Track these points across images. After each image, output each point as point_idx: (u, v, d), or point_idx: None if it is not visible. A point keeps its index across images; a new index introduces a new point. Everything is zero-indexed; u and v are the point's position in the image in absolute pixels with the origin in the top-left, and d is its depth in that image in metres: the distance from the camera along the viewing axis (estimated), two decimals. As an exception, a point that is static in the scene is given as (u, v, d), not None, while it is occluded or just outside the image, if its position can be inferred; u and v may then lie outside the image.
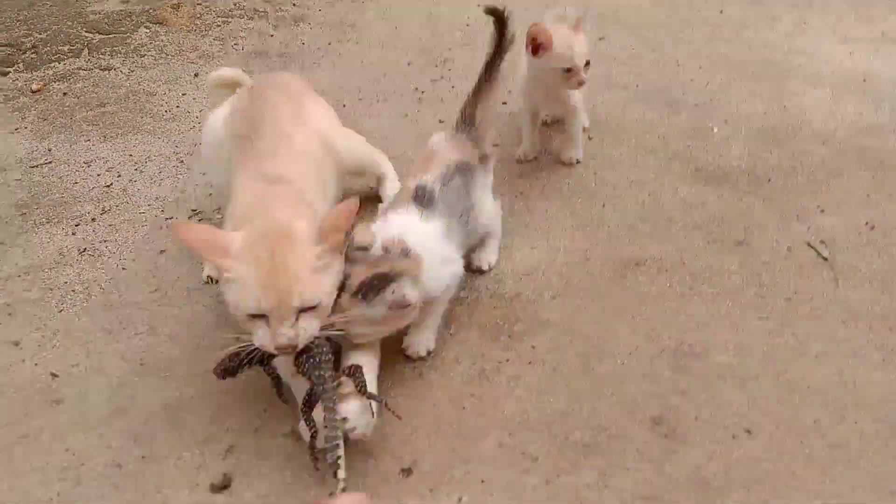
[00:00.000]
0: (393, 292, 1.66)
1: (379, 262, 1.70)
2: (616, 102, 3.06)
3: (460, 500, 1.60)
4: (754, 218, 2.38)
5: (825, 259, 2.19)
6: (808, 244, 2.25)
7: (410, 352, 1.88)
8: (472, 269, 2.14)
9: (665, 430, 1.71)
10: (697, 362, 1.88)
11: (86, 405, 1.91)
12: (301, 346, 1.54)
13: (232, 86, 2.41)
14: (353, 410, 1.57)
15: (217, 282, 2.19)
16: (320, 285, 1.57)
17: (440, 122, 3.01)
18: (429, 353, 1.90)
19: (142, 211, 2.63)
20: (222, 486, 1.69)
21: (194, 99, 3.30)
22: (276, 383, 1.69)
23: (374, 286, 1.65)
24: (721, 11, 3.89)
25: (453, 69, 3.49)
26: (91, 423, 1.86)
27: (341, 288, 1.67)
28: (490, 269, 2.20)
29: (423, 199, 1.89)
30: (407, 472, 1.67)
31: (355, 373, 1.60)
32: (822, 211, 2.38)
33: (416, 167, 2.04)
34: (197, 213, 2.58)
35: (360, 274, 1.68)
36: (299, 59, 3.63)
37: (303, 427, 1.64)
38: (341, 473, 1.50)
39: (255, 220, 1.65)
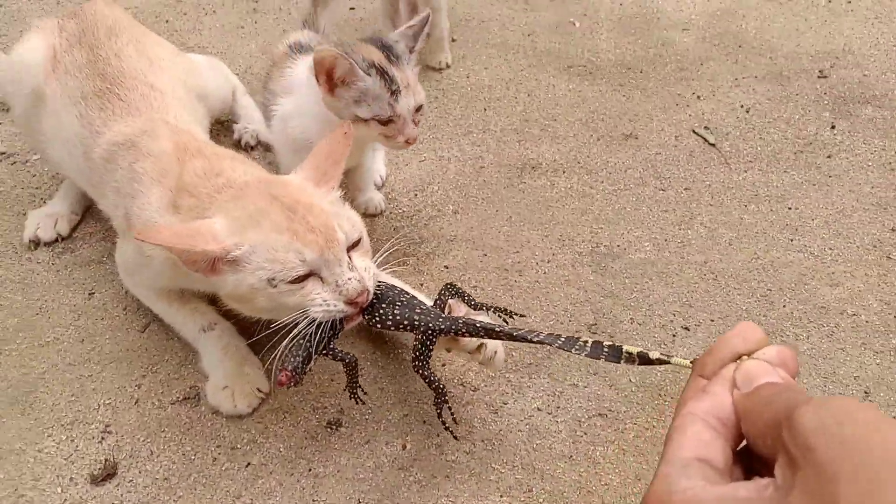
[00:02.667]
0: None
1: None
2: (470, 1, 2.86)
3: (405, 447, 1.41)
4: (636, 110, 2.31)
5: (712, 145, 2.16)
6: (694, 131, 2.21)
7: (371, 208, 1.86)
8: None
9: (604, 338, 1.60)
10: (617, 262, 1.78)
11: None
12: (372, 289, 1.21)
13: None
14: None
15: (42, 244, 1.83)
16: (352, 218, 1.26)
17: (283, 31, 2.69)
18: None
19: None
20: (105, 476, 1.38)
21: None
22: (353, 374, 1.31)
23: None
24: None
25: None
26: None
27: None
28: (383, 183, 1.95)
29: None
30: (335, 424, 1.44)
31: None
32: (699, 97, 2.36)
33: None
34: (8, 157, 2.10)
35: None
36: None
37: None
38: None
39: (211, 181, 1.32)
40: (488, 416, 1.45)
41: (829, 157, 2.09)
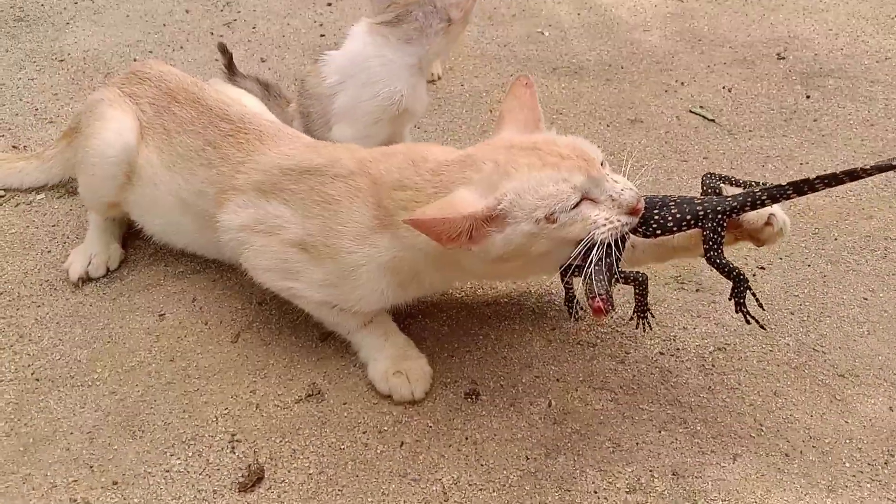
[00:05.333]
0: None
1: None
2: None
3: (550, 404, 1.42)
4: (631, 99, 2.46)
5: (712, 120, 2.33)
6: (691, 111, 2.38)
7: None
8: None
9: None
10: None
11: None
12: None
13: None
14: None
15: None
16: (585, 141, 1.28)
17: (262, 60, 2.71)
18: None
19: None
20: (255, 482, 1.31)
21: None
22: (644, 294, 1.28)
23: None
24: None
25: (243, 11, 3.14)
26: None
27: None
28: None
29: None
30: (473, 394, 1.44)
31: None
32: (682, 84, 2.54)
33: None
34: (9, 199, 2.00)
35: None
36: (47, 20, 3.01)
37: None
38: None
39: (421, 167, 1.31)
40: (617, 367, 1.50)
41: (815, 120, 2.31)
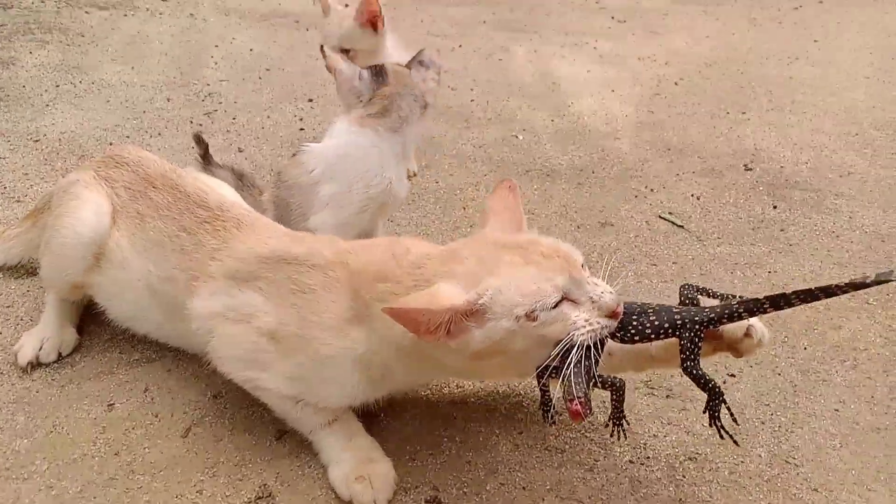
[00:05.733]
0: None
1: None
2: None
3: None
4: (602, 202, 2.49)
5: (681, 226, 2.36)
6: (661, 216, 2.41)
7: None
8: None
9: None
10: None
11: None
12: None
13: None
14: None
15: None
16: (568, 245, 1.28)
17: (239, 150, 2.73)
18: None
19: None
20: None
21: None
22: (620, 400, 1.24)
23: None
24: (460, 46, 4.14)
25: (224, 102, 3.21)
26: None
27: None
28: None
29: None
30: (434, 501, 1.36)
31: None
32: (652, 190, 2.59)
33: None
34: None
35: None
36: (26, 101, 3.04)
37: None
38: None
39: (402, 260, 1.30)
40: (586, 475, 1.44)
41: (782, 230, 2.35)
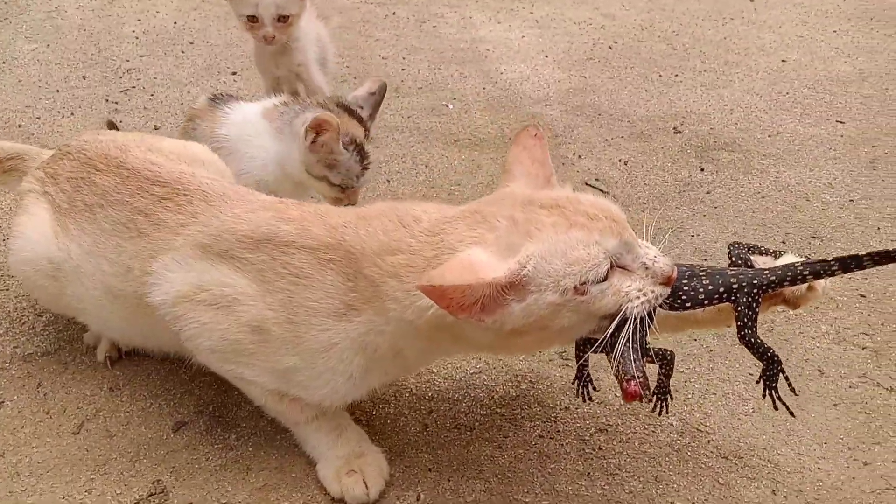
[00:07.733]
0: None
1: None
2: (342, 90, 2.95)
3: (419, 497, 1.31)
4: (530, 171, 2.44)
5: (607, 193, 2.32)
6: (587, 184, 2.37)
7: None
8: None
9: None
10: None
11: None
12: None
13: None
14: None
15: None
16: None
17: (155, 128, 2.62)
18: None
19: None
20: None
21: None
22: (669, 373, 1.17)
23: None
24: (394, 13, 4.04)
25: (143, 78, 3.08)
26: None
27: None
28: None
29: None
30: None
31: None
32: (580, 157, 2.54)
33: None
34: None
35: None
36: None
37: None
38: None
39: (414, 228, 1.12)
40: (494, 452, 1.40)
41: (707, 192, 2.33)
